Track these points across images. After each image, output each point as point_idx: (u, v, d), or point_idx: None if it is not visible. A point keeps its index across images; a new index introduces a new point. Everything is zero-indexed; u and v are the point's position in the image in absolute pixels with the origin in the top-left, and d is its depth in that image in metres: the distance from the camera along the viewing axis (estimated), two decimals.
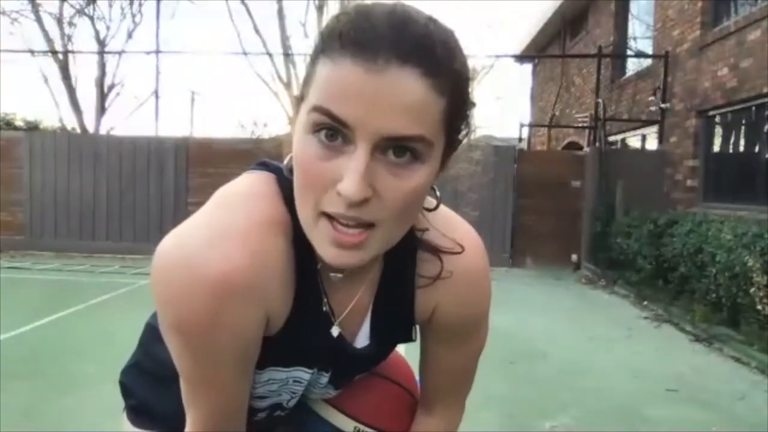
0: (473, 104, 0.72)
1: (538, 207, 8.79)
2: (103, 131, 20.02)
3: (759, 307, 4.43)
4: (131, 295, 6.48)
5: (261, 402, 0.85)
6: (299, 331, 0.75)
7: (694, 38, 7.66)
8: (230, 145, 9.96)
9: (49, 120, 19.84)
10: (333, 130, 0.61)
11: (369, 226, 0.63)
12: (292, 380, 0.82)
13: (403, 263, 0.79)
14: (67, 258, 8.87)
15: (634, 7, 10.40)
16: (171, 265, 0.66)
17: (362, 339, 0.83)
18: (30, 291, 6.60)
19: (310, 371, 0.82)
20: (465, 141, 0.75)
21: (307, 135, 0.63)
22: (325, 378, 0.85)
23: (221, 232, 0.67)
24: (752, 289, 4.47)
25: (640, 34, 10.13)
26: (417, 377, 0.98)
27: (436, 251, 0.79)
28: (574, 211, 8.69)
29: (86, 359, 4.04)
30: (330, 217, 0.63)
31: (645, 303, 6.26)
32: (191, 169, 9.31)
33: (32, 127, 17.66)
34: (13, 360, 3.97)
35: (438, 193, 0.74)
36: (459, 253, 0.79)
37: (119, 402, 1.07)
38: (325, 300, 0.76)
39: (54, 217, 9.40)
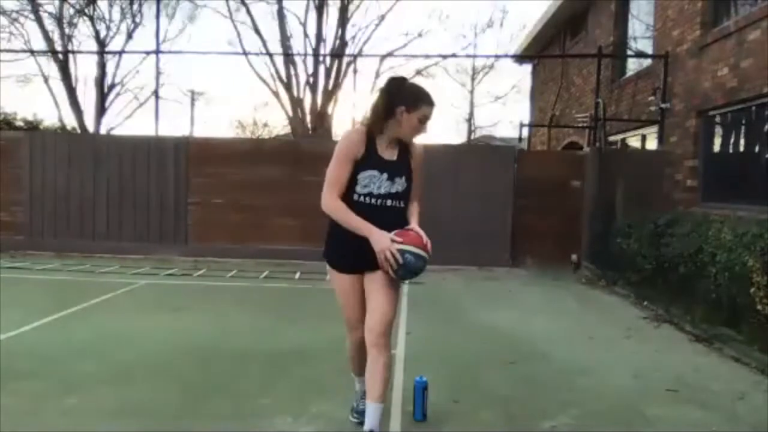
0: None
1: (538, 207, 8.78)
2: (103, 131, 20.04)
3: (759, 307, 4.42)
4: (131, 295, 6.49)
5: (364, 188, 2.63)
6: (367, 159, 2.62)
7: (694, 38, 7.65)
8: (230, 145, 9.97)
9: (49, 120, 19.84)
10: (422, 120, 2.72)
11: None
12: (372, 176, 2.63)
13: (405, 146, 2.74)
14: (67, 258, 8.87)
15: (634, 7, 10.39)
16: (340, 140, 2.71)
17: (392, 158, 2.69)
18: (30, 291, 6.61)
19: (378, 171, 2.63)
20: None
21: (414, 119, 2.67)
22: (385, 175, 2.64)
23: (350, 130, 2.84)
24: (752, 289, 4.47)
25: (640, 34, 10.12)
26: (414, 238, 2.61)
27: (411, 144, 2.78)
28: (574, 211, 8.69)
29: (86, 359, 4.04)
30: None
31: (645, 303, 6.25)
32: (191, 169, 9.31)
33: (32, 127, 17.66)
34: (13, 360, 3.97)
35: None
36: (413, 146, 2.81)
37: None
38: (377, 149, 2.67)
39: (54, 217, 9.40)
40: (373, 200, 2.65)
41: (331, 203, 2.65)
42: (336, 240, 2.78)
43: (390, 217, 2.65)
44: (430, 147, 9.16)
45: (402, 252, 2.53)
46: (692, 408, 3.44)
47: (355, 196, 2.65)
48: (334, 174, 2.62)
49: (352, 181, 2.64)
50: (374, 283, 2.71)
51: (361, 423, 2.80)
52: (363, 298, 2.78)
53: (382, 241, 2.54)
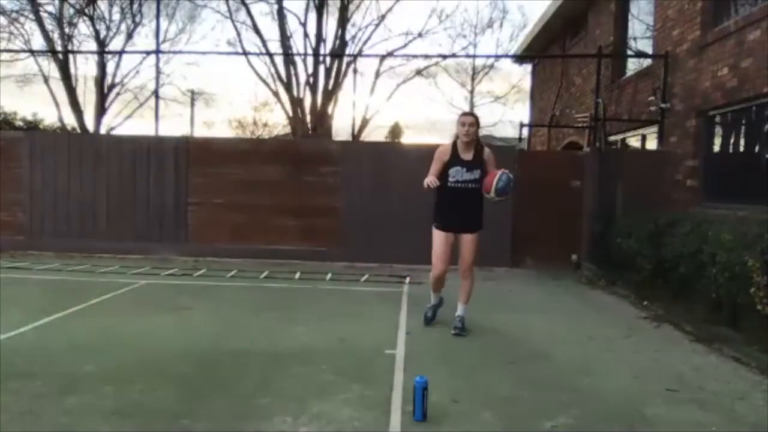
0: (479, 124, 5.10)
1: (538, 207, 8.77)
2: (103, 131, 20.03)
3: (759, 307, 4.42)
4: (131, 295, 6.48)
5: (452, 177, 4.81)
6: (452, 159, 4.84)
7: (694, 38, 7.65)
8: (230, 145, 9.96)
9: (49, 120, 19.84)
10: (462, 124, 4.91)
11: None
12: (456, 170, 4.82)
13: (479, 149, 4.90)
14: (67, 258, 8.87)
15: (634, 7, 10.39)
16: (439, 148, 5.00)
17: (468, 158, 4.86)
18: (30, 291, 6.60)
19: (460, 167, 4.82)
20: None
21: (458, 125, 4.91)
22: (465, 168, 4.83)
23: (442, 145, 5.06)
24: (752, 289, 4.47)
25: (640, 34, 10.12)
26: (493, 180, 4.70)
27: (483, 146, 4.98)
28: (574, 211, 8.68)
29: (86, 359, 4.04)
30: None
31: (645, 303, 6.25)
32: (191, 169, 9.30)
33: (32, 127, 17.65)
34: (13, 360, 3.97)
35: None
36: (487, 148, 5.04)
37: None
38: (459, 153, 4.88)
39: (54, 217, 9.39)
40: (459, 184, 4.79)
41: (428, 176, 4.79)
42: (437, 211, 4.94)
43: (470, 194, 4.82)
44: (431, 147, 9.22)
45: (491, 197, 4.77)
46: (692, 408, 3.44)
47: (449, 183, 4.78)
48: (432, 168, 4.82)
49: (446, 174, 4.77)
50: (464, 242, 4.92)
51: (428, 324, 5.13)
52: (448, 248, 4.91)
53: (427, 178, 4.69)
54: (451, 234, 4.91)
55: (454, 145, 4.87)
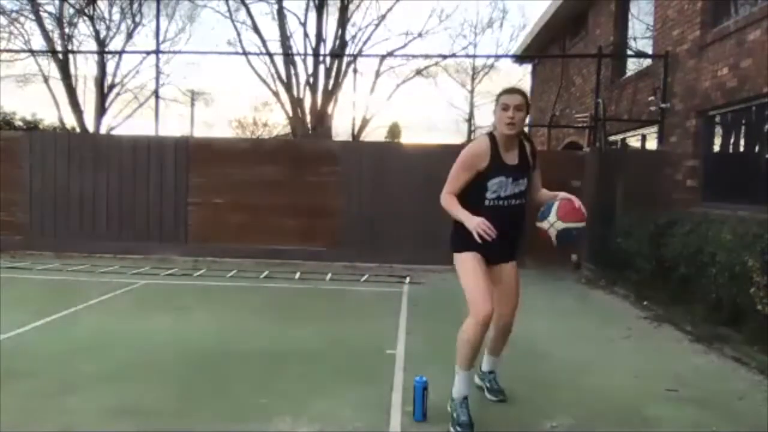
0: (530, 107, 3.21)
1: (538, 207, 8.76)
2: (103, 131, 20.03)
3: (759, 307, 4.42)
4: (131, 295, 6.48)
5: (494, 194, 3.07)
6: (493, 166, 3.05)
7: (694, 38, 7.65)
8: (230, 145, 9.96)
9: (48, 120, 19.83)
10: (505, 108, 3.06)
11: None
12: (499, 182, 3.06)
13: (523, 145, 3.17)
14: (67, 258, 8.87)
15: (634, 7, 10.39)
16: (465, 149, 3.15)
17: (514, 162, 3.11)
18: (30, 291, 6.60)
19: (505, 177, 3.07)
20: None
21: (497, 109, 3.07)
22: (510, 179, 3.08)
23: (473, 141, 3.26)
24: (752, 289, 4.47)
25: (640, 34, 10.12)
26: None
27: (530, 142, 3.25)
28: None
29: (86, 359, 4.04)
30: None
31: (645, 303, 6.25)
32: (191, 169, 9.30)
33: (32, 127, 17.65)
34: (13, 360, 3.97)
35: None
36: (533, 145, 3.28)
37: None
38: (501, 156, 3.08)
39: (54, 217, 9.40)
40: (501, 202, 3.09)
41: (446, 199, 3.13)
42: (461, 231, 3.07)
43: (514, 214, 3.16)
44: (431, 147, 9.23)
45: (569, 230, 3.07)
46: (692, 408, 3.44)
47: (486, 202, 3.07)
48: (453, 177, 3.12)
49: (482, 188, 3.06)
50: (505, 275, 3.34)
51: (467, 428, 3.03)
52: (486, 277, 3.14)
53: (472, 220, 2.94)
54: (482, 260, 3.19)
55: (493, 142, 3.10)
